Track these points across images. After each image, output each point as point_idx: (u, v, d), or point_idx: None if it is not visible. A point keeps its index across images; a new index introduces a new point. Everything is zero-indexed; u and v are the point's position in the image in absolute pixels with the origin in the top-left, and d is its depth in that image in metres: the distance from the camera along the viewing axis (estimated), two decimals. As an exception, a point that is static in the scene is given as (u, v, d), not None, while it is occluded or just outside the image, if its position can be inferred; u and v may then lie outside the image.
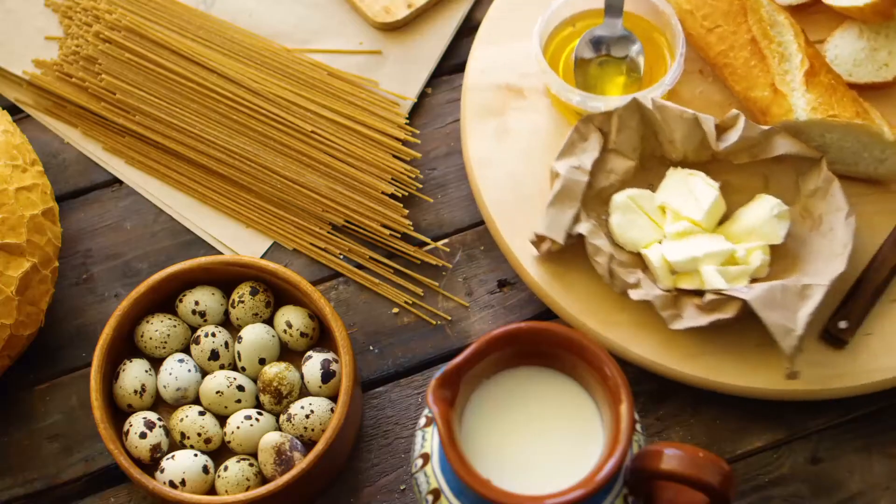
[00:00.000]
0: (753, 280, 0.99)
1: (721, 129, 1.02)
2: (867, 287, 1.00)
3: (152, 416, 0.97)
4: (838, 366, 0.98)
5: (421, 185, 1.11)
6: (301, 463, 0.93)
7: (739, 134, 1.00)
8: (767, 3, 1.05)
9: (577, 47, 1.08)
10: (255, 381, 1.00)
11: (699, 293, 0.98)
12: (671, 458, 0.80)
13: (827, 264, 0.98)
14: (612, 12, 1.07)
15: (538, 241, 1.00)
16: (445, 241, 1.09)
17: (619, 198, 1.01)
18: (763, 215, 1.00)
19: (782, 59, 1.03)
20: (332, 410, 0.97)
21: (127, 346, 1.01)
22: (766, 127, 1.01)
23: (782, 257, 1.00)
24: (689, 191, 1.01)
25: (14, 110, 1.16)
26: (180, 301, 1.02)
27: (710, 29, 1.05)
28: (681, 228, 1.00)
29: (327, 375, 0.98)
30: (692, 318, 0.97)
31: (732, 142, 1.01)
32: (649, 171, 1.04)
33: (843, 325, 0.98)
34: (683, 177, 1.02)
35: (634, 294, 0.97)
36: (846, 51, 1.08)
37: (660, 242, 1.01)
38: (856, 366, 0.98)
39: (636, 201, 1.01)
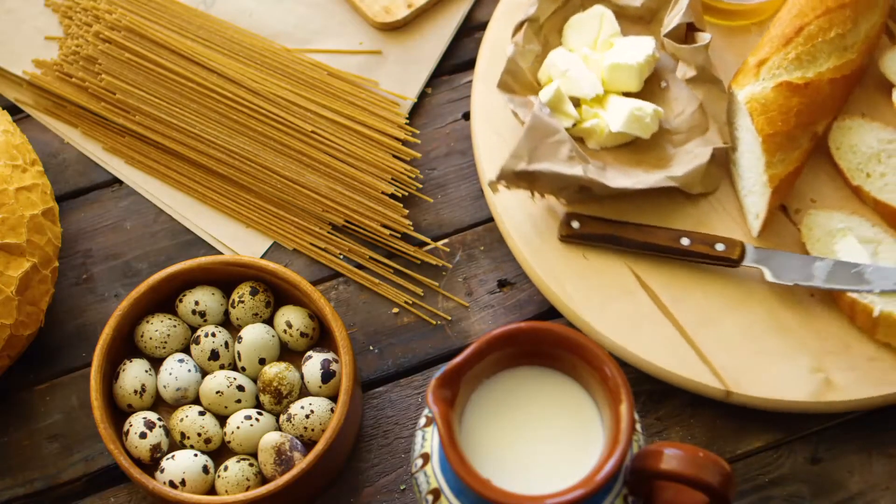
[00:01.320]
0: None
1: None
2: None
3: (152, 416, 0.97)
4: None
5: (421, 185, 1.11)
6: (301, 463, 0.93)
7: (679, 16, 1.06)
8: None
9: None
10: (255, 381, 1.00)
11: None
12: (671, 458, 0.80)
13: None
14: None
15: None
16: (445, 241, 1.09)
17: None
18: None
19: None
20: (332, 410, 0.97)
21: (127, 346, 1.01)
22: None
23: None
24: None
25: (14, 110, 1.16)
26: (180, 301, 1.02)
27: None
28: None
29: (327, 375, 0.98)
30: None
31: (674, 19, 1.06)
32: None
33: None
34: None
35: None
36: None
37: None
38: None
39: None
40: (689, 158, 1.04)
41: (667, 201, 1.05)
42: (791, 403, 0.97)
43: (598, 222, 1.03)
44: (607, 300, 1.01)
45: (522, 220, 1.05)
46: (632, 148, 1.06)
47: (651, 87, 1.08)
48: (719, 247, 1.00)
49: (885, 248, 1.01)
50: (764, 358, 0.99)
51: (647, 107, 1.04)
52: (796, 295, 1.01)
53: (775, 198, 1.01)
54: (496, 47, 1.12)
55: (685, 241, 1.01)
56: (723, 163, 1.06)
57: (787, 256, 1.00)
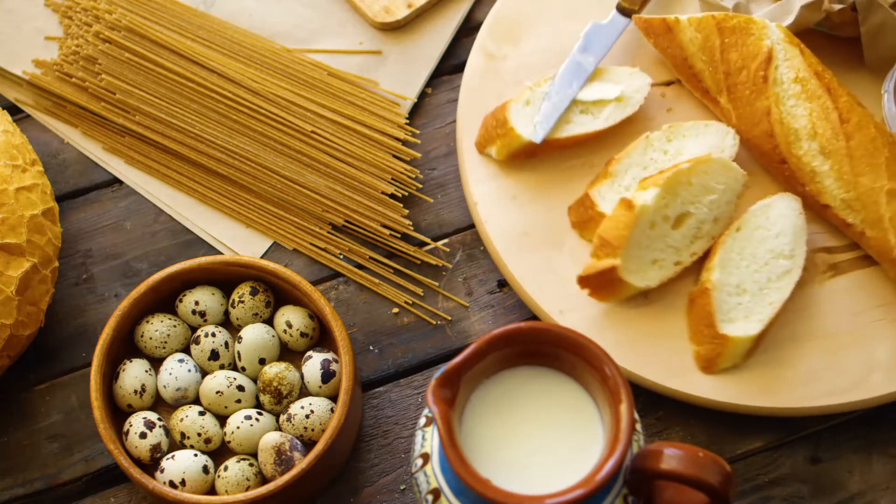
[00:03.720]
0: None
1: None
2: None
3: (152, 416, 0.97)
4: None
5: (421, 185, 1.11)
6: (301, 463, 0.93)
7: None
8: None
9: None
10: (255, 381, 1.00)
11: None
12: (671, 458, 0.80)
13: None
14: None
15: None
16: (445, 241, 1.09)
17: None
18: None
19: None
20: (332, 410, 0.97)
21: (127, 346, 1.01)
22: None
23: None
24: None
25: (14, 110, 1.16)
26: (180, 301, 1.02)
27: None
28: None
29: (327, 375, 0.98)
30: None
31: None
32: None
33: None
34: None
35: None
36: None
37: None
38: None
39: None
40: None
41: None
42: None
43: None
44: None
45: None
46: None
47: None
48: None
49: None
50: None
51: None
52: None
53: None
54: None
55: None
56: None
57: None
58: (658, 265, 1.00)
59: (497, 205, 1.06)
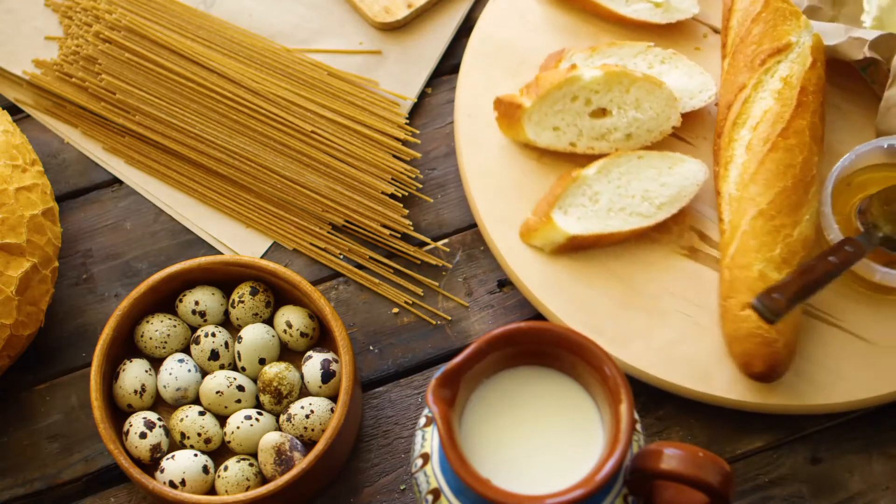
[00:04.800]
0: None
1: None
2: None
3: (152, 416, 0.97)
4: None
5: (421, 185, 1.11)
6: (301, 463, 0.93)
7: None
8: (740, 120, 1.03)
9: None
10: (255, 381, 1.00)
11: None
12: (671, 458, 0.80)
13: None
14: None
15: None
16: (445, 241, 1.09)
17: None
18: None
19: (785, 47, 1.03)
20: (332, 410, 0.97)
21: (127, 346, 1.01)
22: None
23: None
24: None
25: (14, 110, 1.16)
26: (180, 301, 1.02)
27: (820, 142, 1.03)
28: None
29: (327, 375, 0.98)
30: None
31: None
32: None
33: (776, 296, 0.94)
34: None
35: None
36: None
37: None
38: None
39: None
40: None
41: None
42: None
43: (791, 285, 0.94)
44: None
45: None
46: None
47: None
48: (849, 248, 0.97)
49: None
50: None
51: None
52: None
53: None
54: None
55: (832, 259, 0.96)
56: None
57: None
58: (556, 133, 1.04)
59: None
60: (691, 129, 1.08)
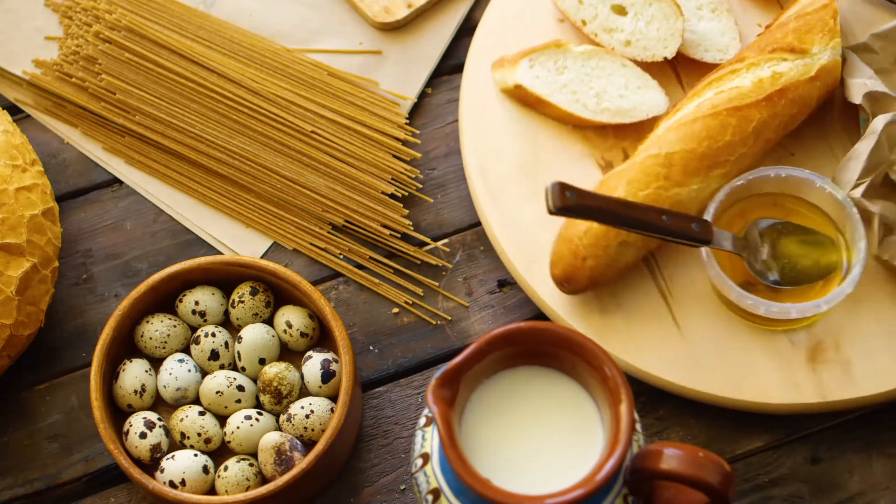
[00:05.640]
0: None
1: None
2: None
3: (152, 416, 0.97)
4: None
5: (421, 185, 1.11)
6: (301, 463, 0.93)
7: None
8: (715, 92, 1.03)
9: (749, 266, 1.00)
10: (255, 381, 1.00)
11: None
12: (671, 458, 0.80)
13: None
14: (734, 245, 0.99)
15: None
16: (445, 241, 1.09)
17: None
18: None
19: (779, 75, 1.02)
20: (332, 410, 0.97)
21: (127, 346, 1.01)
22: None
23: None
24: None
25: (14, 110, 1.16)
26: (180, 301, 1.02)
27: (753, 142, 1.01)
28: None
29: (327, 375, 0.98)
30: None
31: None
32: None
33: (570, 194, 0.94)
34: None
35: None
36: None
37: None
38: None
39: None
40: None
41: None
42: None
43: (591, 196, 0.97)
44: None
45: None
46: None
47: None
48: (695, 227, 0.97)
49: None
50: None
51: None
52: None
53: None
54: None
55: (665, 219, 0.97)
56: None
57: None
58: (580, 6, 1.09)
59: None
60: (690, 76, 1.10)
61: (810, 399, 0.97)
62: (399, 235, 1.08)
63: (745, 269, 0.99)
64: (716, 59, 1.08)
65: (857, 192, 0.99)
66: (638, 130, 1.07)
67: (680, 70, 1.10)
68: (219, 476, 0.95)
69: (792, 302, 0.97)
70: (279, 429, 0.97)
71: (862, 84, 1.02)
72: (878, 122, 1.00)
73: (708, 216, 0.98)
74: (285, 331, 1.00)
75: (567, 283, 0.99)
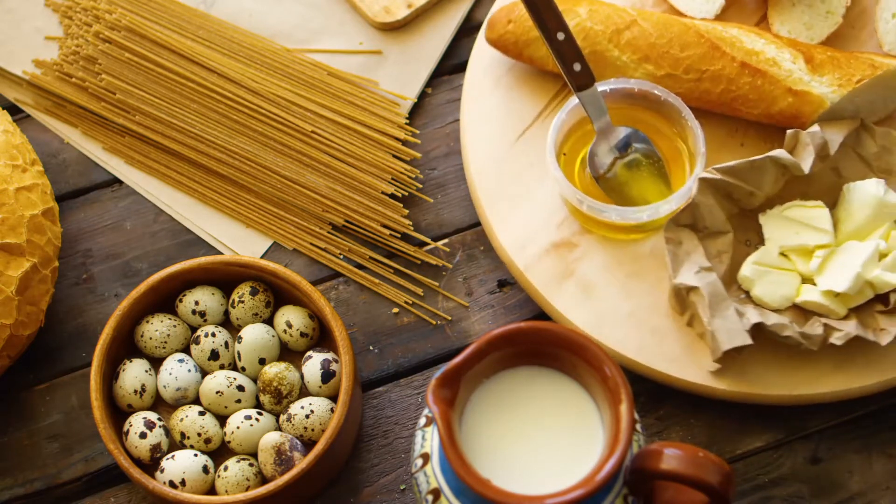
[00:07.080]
0: None
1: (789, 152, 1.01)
2: None
3: (152, 416, 0.97)
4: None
5: (421, 185, 1.11)
6: (301, 463, 0.93)
7: (812, 147, 0.99)
8: (722, 26, 1.05)
9: (589, 165, 1.03)
10: (255, 381, 1.00)
11: (881, 300, 0.98)
12: (671, 458, 0.80)
13: None
14: (596, 113, 1.03)
15: (725, 357, 0.97)
16: (445, 241, 1.09)
17: (746, 271, 0.99)
18: (871, 200, 0.99)
19: (776, 64, 1.03)
20: (332, 410, 0.97)
21: (127, 346, 1.01)
22: (819, 129, 1.00)
23: None
24: (797, 222, 1.00)
25: (14, 110, 1.16)
26: (180, 301, 1.02)
27: (698, 79, 1.04)
28: (820, 260, 0.98)
29: (327, 375, 0.98)
30: (891, 325, 0.97)
31: (812, 158, 0.99)
32: (739, 230, 1.02)
33: None
34: (779, 215, 1.01)
35: (838, 339, 0.96)
36: (793, 21, 1.09)
37: (804, 283, 0.99)
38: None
39: (762, 264, 0.99)
40: None
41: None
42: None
43: None
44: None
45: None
46: None
47: None
48: (577, 66, 1.02)
49: None
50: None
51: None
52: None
53: None
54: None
55: (560, 36, 1.02)
56: None
57: None
58: None
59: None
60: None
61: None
62: (399, 235, 1.08)
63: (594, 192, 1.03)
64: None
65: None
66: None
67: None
68: (219, 476, 0.95)
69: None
70: (279, 429, 0.97)
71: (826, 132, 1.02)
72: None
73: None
74: (285, 331, 1.00)
75: (490, 28, 1.09)
